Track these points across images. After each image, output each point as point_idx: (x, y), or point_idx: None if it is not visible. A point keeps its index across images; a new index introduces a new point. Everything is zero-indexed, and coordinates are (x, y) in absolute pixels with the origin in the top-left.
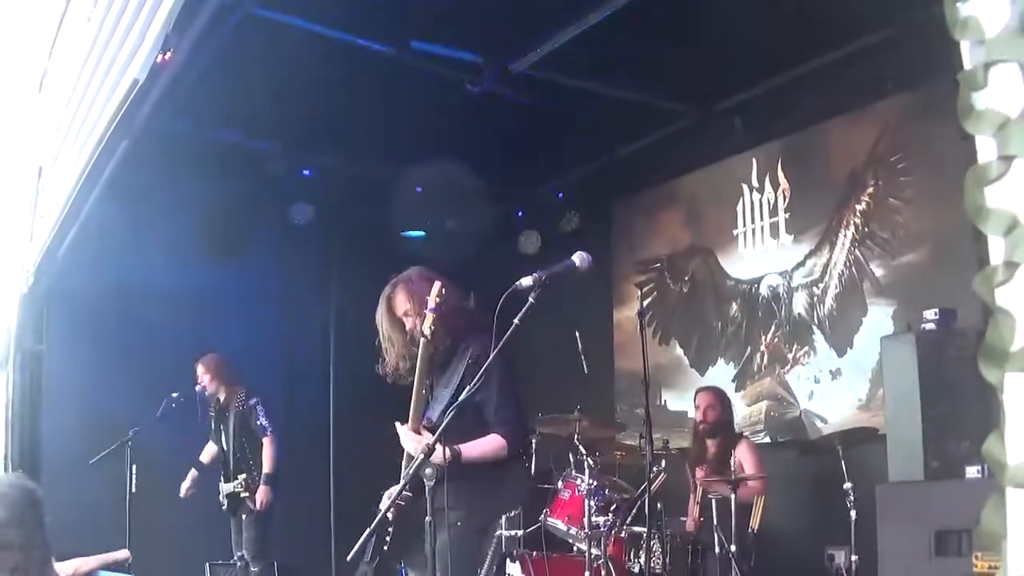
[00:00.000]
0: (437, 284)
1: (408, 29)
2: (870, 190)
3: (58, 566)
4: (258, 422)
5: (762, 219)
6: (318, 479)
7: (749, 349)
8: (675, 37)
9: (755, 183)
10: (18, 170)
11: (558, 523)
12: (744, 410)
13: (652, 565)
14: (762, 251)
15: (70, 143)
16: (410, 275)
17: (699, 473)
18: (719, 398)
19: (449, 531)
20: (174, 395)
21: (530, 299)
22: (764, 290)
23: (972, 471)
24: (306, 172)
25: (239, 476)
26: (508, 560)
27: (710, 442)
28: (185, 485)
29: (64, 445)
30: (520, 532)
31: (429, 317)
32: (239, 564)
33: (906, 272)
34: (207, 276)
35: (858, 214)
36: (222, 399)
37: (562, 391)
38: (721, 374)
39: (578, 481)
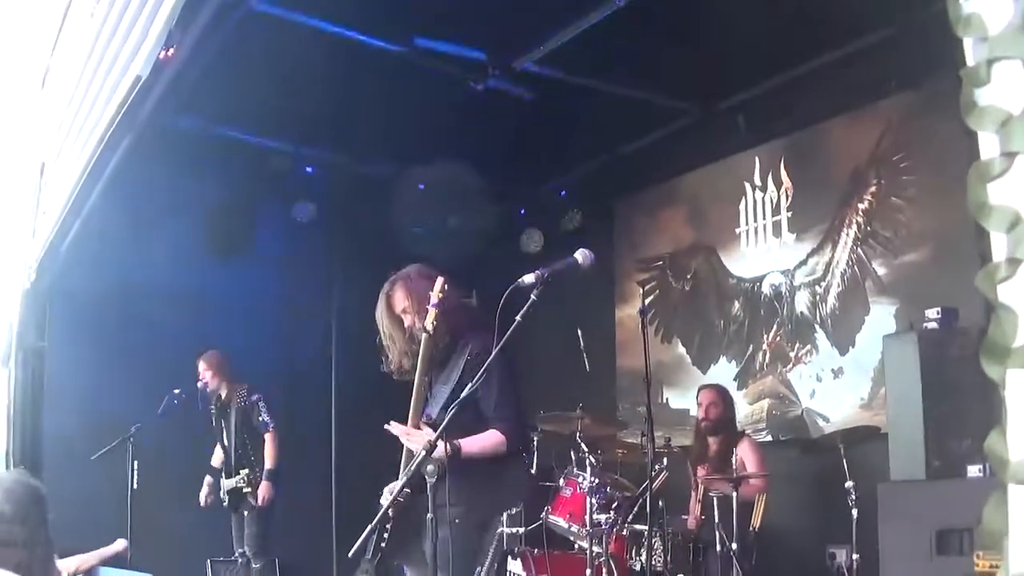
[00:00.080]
0: (440, 279)
1: (411, 26)
2: (872, 189)
3: (60, 563)
4: (260, 418)
5: (764, 217)
6: (320, 476)
7: (751, 347)
8: (678, 35)
9: (758, 181)
10: (21, 166)
11: (559, 520)
12: (746, 408)
13: (653, 563)
14: (764, 249)
15: (73, 139)
16: (409, 272)
17: (701, 471)
18: (721, 396)
19: (449, 528)
20: (176, 392)
21: (532, 296)
22: (766, 288)
23: (974, 470)
24: (309, 169)
25: (241, 472)
26: (510, 557)
27: (712, 440)
28: (203, 493)
29: (66, 441)
30: (522, 529)
31: (432, 313)
32: (240, 561)
33: (908, 271)
34: (209, 273)
35: (860, 213)
36: (224, 395)
37: (564, 389)
38: (723, 372)
39: (580, 479)
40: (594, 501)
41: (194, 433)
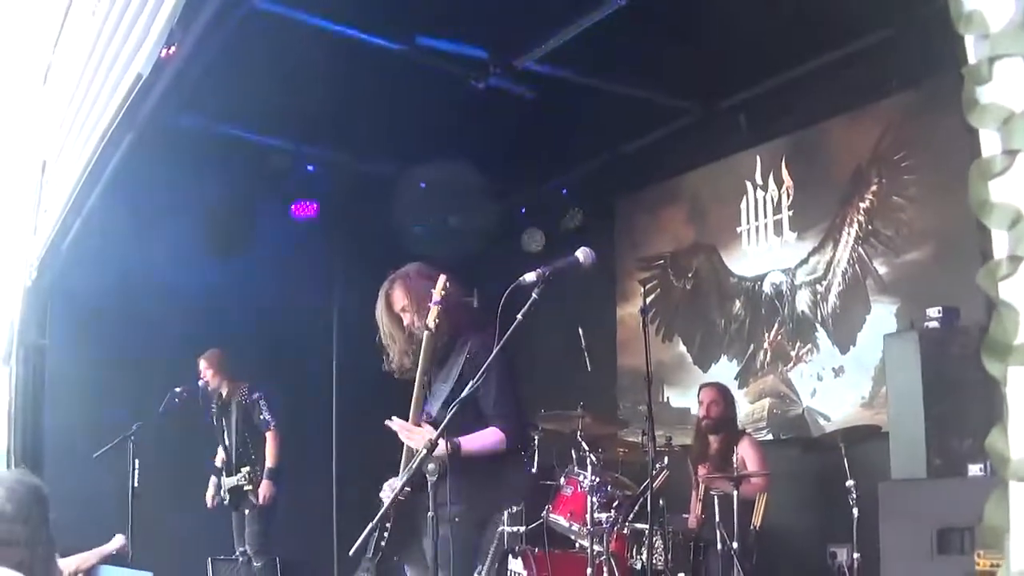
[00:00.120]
0: (442, 277)
1: (413, 24)
2: (874, 188)
3: (60, 563)
4: (261, 416)
5: (766, 216)
6: (321, 474)
7: (752, 346)
8: (679, 34)
9: (759, 180)
10: (22, 164)
11: (560, 519)
12: (747, 407)
13: (654, 562)
14: (765, 248)
15: (74, 137)
16: (408, 271)
17: (701, 470)
18: (723, 394)
19: (448, 526)
20: (177, 390)
21: (533, 295)
22: (767, 287)
23: (975, 469)
24: (310, 168)
25: (242, 470)
26: (510, 556)
27: (713, 438)
28: (210, 494)
29: (67, 439)
30: (522, 528)
31: (434, 310)
32: (241, 559)
33: (909, 270)
34: (210, 271)
35: (862, 212)
36: (224, 394)
37: (565, 387)
38: (724, 371)
39: (580, 477)
40: (595, 500)
41: (195, 432)
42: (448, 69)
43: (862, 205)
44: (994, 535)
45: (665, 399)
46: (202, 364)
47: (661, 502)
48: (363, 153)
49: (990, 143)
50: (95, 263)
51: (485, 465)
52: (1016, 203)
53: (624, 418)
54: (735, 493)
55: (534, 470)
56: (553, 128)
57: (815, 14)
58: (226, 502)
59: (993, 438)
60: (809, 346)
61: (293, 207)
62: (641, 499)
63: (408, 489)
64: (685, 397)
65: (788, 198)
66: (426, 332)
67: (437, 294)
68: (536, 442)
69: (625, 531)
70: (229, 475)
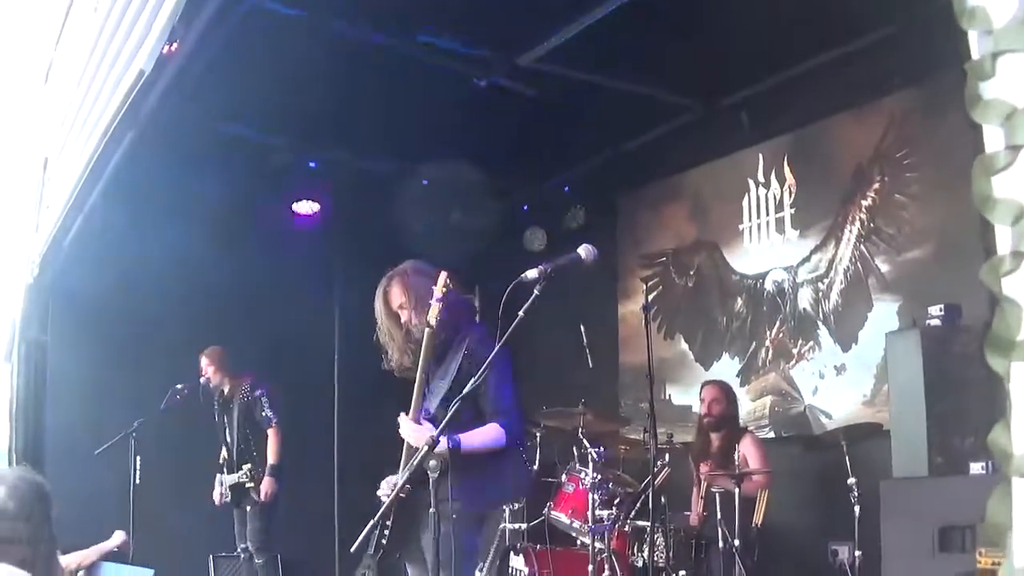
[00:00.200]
0: (443, 274)
1: (415, 22)
2: (876, 186)
3: (62, 559)
4: (263, 413)
5: (768, 214)
6: (322, 471)
7: (754, 344)
8: (682, 32)
9: (761, 178)
10: (24, 161)
11: (562, 516)
12: (748, 405)
13: (655, 559)
14: (767, 246)
15: (76, 134)
16: (405, 268)
17: (703, 467)
18: (724, 392)
19: (446, 523)
20: (178, 387)
21: (535, 291)
22: (769, 285)
23: (976, 467)
24: (312, 164)
25: (243, 467)
26: (512, 553)
27: (714, 436)
28: (216, 492)
29: (68, 436)
30: (524, 525)
31: (435, 307)
32: (243, 556)
33: (911, 268)
34: (211, 268)
35: (864, 210)
36: (226, 391)
37: (567, 385)
38: (726, 369)
39: (582, 475)
40: (596, 497)
41: (196, 429)
42: (450, 66)
43: (864, 203)
44: (996, 532)
45: (667, 396)
46: (203, 361)
47: (662, 499)
48: (365, 151)
49: (993, 139)
50: (97, 260)
51: (485, 461)
52: (1019, 199)
53: (625, 415)
54: (736, 491)
55: (535, 467)
56: (555, 125)
57: (817, 12)
58: (227, 499)
59: (996, 434)
60: (811, 344)
61: (294, 204)
62: (642, 496)
63: (408, 486)
64: (687, 394)
65: (790, 196)
66: (427, 329)
67: (438, 291)
68: (537, 439)
69: (626, 528)
70: (230, 472)
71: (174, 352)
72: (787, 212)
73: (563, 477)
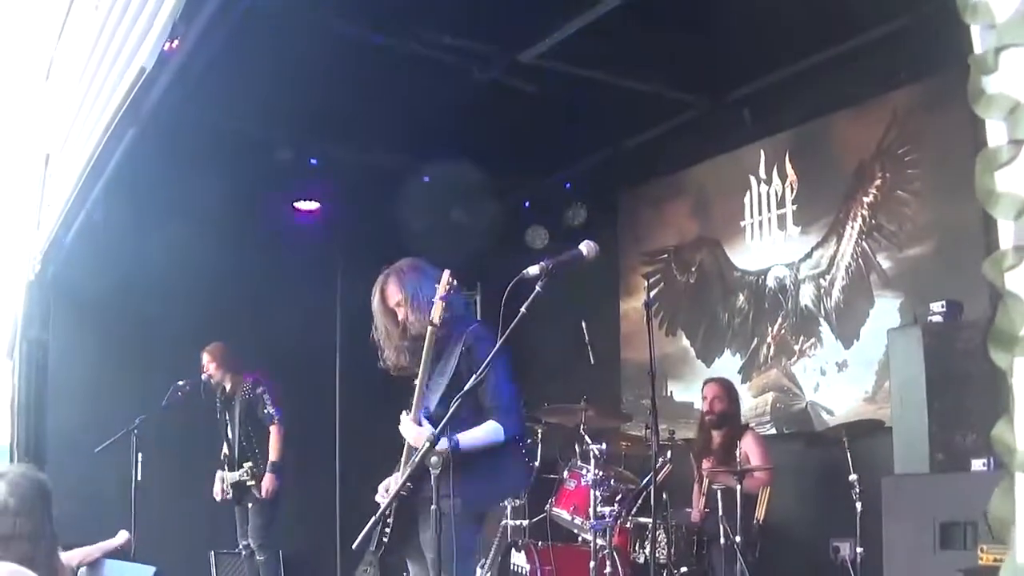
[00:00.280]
0: (446, 272)
1: (416, 19)
2: (878, 182)
3: (63, 556)
4: (266, 410)
5: (769, 211)
6: (324, 468)
7: (756, 340)
8: (684, 28)
9: (763, 174)
10: (26, 158)
11: (563, 513)
12: (750, 401)
13: (657, 556)
14: (769, 243)
15: (77, 131)
16: (401, 265)
17: (705, 464)
18: (726, 389)
19: (446, 519)
20: (180, 384)
21: (537, 288)
22: (771, 282)
23: (978, 464)
24: (313, 161)
25: (244, 464)
26: (513, 550)
27: (716, 433)
28: (217, 488)
29: (70, 433)
30: (526, 522)
31: (439, 305)
32: (244, 553)
33: (913, 264)
34: (213, 265)
35: (865, 206)
36: (228, 388)
37: (568, 381)
38: (727, 365)
39: (584, 471)
40: (598, 494)
41: (198, 425)
42: (451, 63)
43: (866, 200)
44: (1000, 527)
45: (668, 393)
46: (205, 358)
47: (664, 496)
48: (366, 147)
49: (996, 133)
50: (98, 257)
51: (485, 458)
52: (1022, 193)
53: (627, 412)
54: (738, 487)
55: (537, 463)
56: (557, 122)
57: (819, 8)
58: (229, 496)
59: (999, 429)
60: (812, 340)
61: (295, 201)
62: (644, 493)
63: (409, 484)
64: (688, 391)
65: (792, 192)
66: (430, 328)
67: (442, 290)
68: (539, 435)
69: (628, 525)
70: (232, 470)
71: (175, 349)
72: (789, 208)
73: (565, 474)
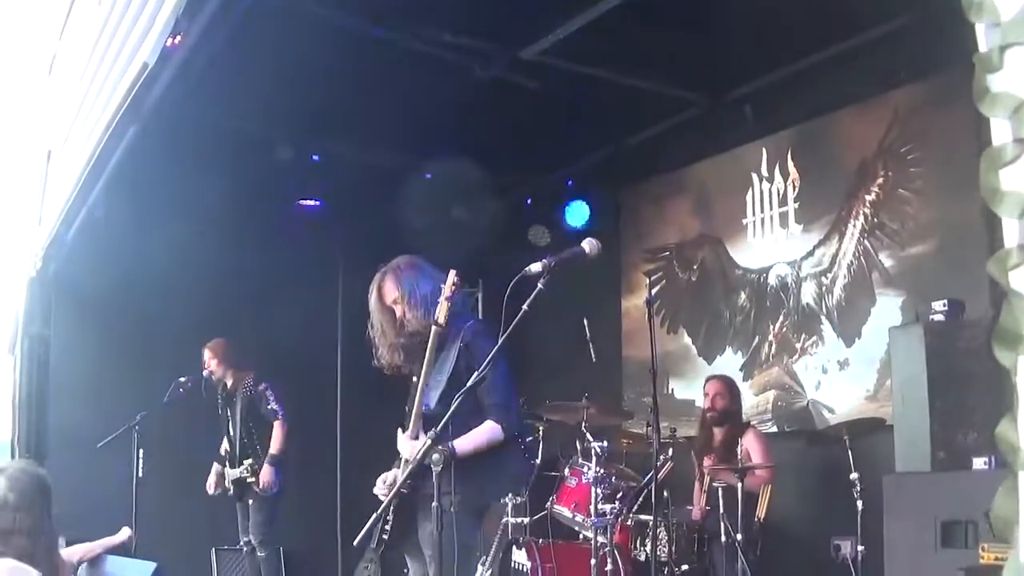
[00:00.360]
0: (452, 273)
1: (418, 16)
2: (880, 181)
3: (64, 552)
4: (269, 407)
5: (771, 208)
6: (325, 465)
7: (757, 338)
8: (686, 25)
9: (765, 172)
10: (27, 153)
11: (564, 510)
12: (751, 399)
13: (658, 553)
14: (771, 241)
15: (79, 127)
16: (399, 263)
17: (706, 461)
18: (728, 386)
19: (448, 515)
20: (181, 380)
21: (539, 285)
22: (773, 280)
23: (979, 462)
24: (315, 158)
25: (245, 461)
26: (514, 547)
27: (717, 430)
28: (211, 481)
29: (71, 429)
30: (526, 519)
31: (444, 305)
32: (245, 549)
33: (915, 263)
34: (214, 262)
35: (867, 204)
36: (229, 384)
37: (570, 379)
38: (729, 363)
39: (585, 469)
40: (599, 491)
41: (199, 422)
42: (453, 60)
43: (868, 198)
44: (1003, 526)
45: (670, 391)
46: (206, 354)
47: (665, 494)
48: (368, 145)
49: (1001, 131)
50: (99, 254)
51: (485, 455)
52: None
53: (628, 409)
54: (739, 485)
55: (538, 461)
56: (558, 119)
57: (822, 6)
58: (230, 493)
59: (1003, 428)
60: (814, 338)
61: (297, 198)
62: (645, 491)
63: (409, 481)
64: (690, 389)
65: (794, 190)
66: (434, 328)
67: (448, 290)
68: (540, 433)
69: (629, 522)
70: (232, 466)
71: (177, 345)
72: (791, 207)
73: (566, 471)
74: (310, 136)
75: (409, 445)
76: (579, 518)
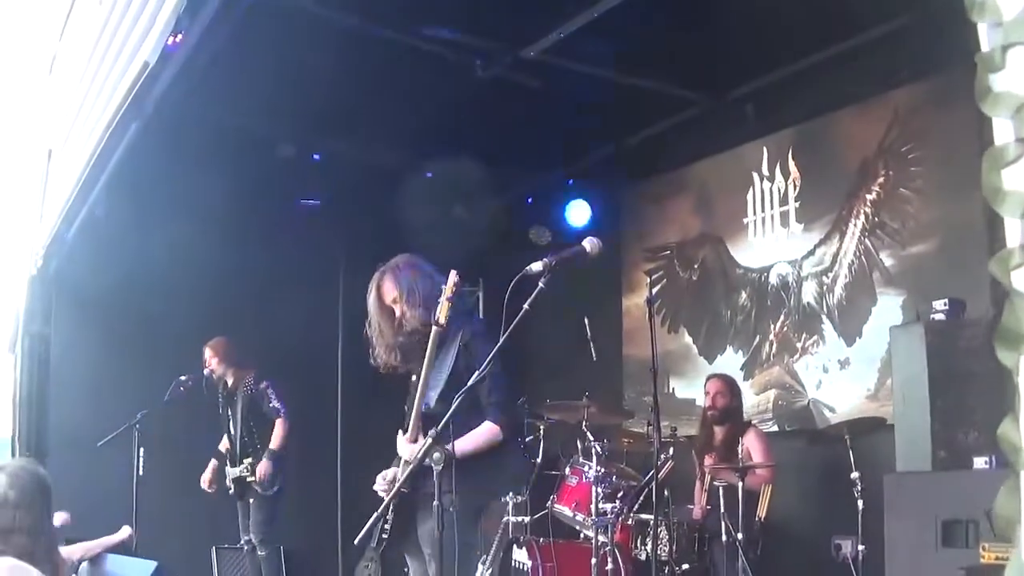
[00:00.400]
0: (453, 273)
1: (420, 14)
2: (881, 180)
3: (64, 550)
4: (271, 405)
5: (772, 208)
6: (325, 464)
7: (758, 338)
8: (687, 25)
9: (766, 171)
10: (28, 152)
11: (565, 510)
12: (752, 399)
13: (659, 552)
14: (772, 240)
15: (80, 126)
16: (397, 262)
17: (707, 460)
18: (729, 385)
19: (448, 514)
20: (182, 378)
21: (540, 284)
22: (773, 279)
23: (980, 462)
24: (315, 157)
25: (245, 460)
26: (515, 546)
27: (718, 429)
28: (207, 477)
29: (72, 428)
30: (527, 518)
31: (445, 305)
32: (246, 548)
33: (916, 262)
34: (215, 260)
35: (868, 204)
36: (230, 383)
37: (570, 377)
38: (730, 362)
39: (585, 468)
40: (600, 490)
41: (200, 420)
42: (455, 59)
43: (869, 197)
44: (1006, 526)
45: (670, 390)
46: (207, 352)
47: (666, 493)
48: (369, 143)
49: (1003, 131)
50: (100, 252)
51: (483, 454)
52: None
53: (629, 409)
54: (740, 484)
55: (539, 460)
56: (560, 118)
57: (823, 5)
58: (231, 492)
59: (1005, 428)
60: (815, 338)
61: (297, 197)
62: (646, 490)
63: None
64: (690, 388)
65: (795, 189)
66: (435, 328)
67: (449, 291)
68: (541, 432)
69: (630, 522)
70: (233, 465)
71: (178, 344)
72: (792, 206)
73: (566, 470)
74: (312, 135)
75: (408, 447)
76: (580, 517)
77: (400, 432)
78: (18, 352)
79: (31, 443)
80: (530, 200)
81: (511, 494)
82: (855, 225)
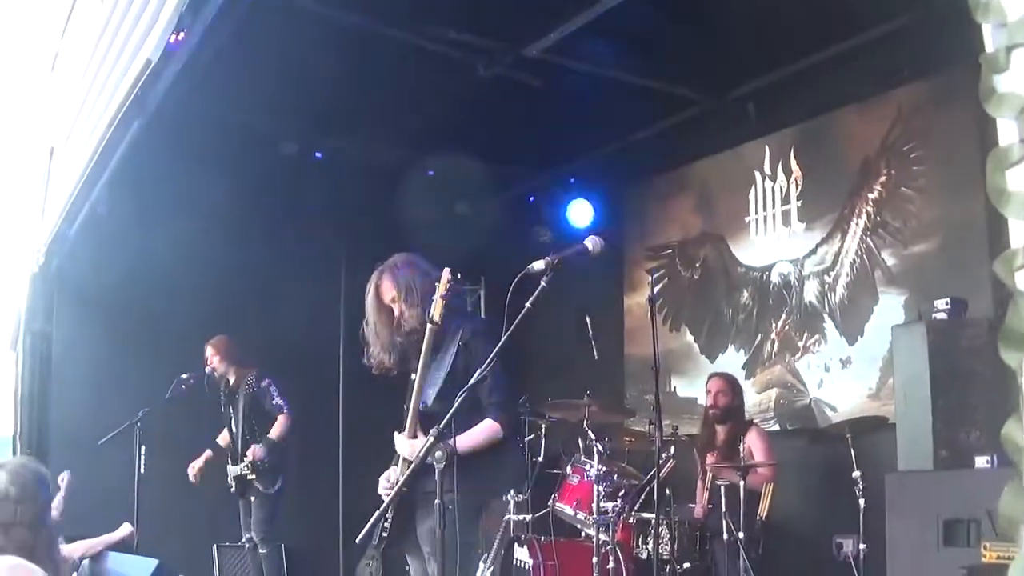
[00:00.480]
0: (446, 271)
1: (422, 13)
2: (883, 179)
3: (66, 548)
4: (273, 402)
5: (774, 207)
6: (327, 462)
7: (759, 336)
8: (689, 24)
9: (767, 170)
10: (30, 150)
11: (566, 508)
12: (754, 397)
13: (660, 551)
14: (774, 239)
15: (82, 123)
16: (395, 261)
17: (709, 459)
18: (731, 384)
19: (448, 513)
20: (183, 376)
21: (542, 283)
22: (775, 278)
23: (981, 461)
24: (318, 155)
25: (246, 459)
26: (516, 544)
27: (720, 428)
28: (197, 464)
29: (73, 426)
30: (528, 517)
31: (439, 303)
32: (247, 546)
33: (918, 261)
34: (217, 259)
35: (870, 203)
36: (231, 381)
37: (572, 376)
38: (731, 361)
39: (587, 466)
40: (601, 489)
41: (201, 419)
42: (457, 57)
43: (871, 196)
44: (1009, 526)
45: (672, 388)
46: (209, 350)
47: (667, 491)
48: (371, 141)
49: (1007, 132)
50: (102, 250)
51: (483, 452)
52: None
53: (631, 407)
54: (742, 483)
55: (540, 458)
56: (562, 117)
57: (825, 4)
58: (232, 490)
59: (1009, 428)
60: (817, 337)
61: (300, 195)
62: (647, 488)
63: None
64: (692, 387)
65: (797, 188)
66: (430, 326)
67: (442, 288)
68: (542, 430)
69: (631, 520)
70: (234, 463)
71: (179, 342)
72: (793, 205)
73: (568, 469)
74: (314, 133)
75: (408, 445)
76: (581, 516)
77: (397, 432)
78: (20, 350)
79: (32, 441)
80: (532, 199)
81: (512, 492)
82: (857, 224)
